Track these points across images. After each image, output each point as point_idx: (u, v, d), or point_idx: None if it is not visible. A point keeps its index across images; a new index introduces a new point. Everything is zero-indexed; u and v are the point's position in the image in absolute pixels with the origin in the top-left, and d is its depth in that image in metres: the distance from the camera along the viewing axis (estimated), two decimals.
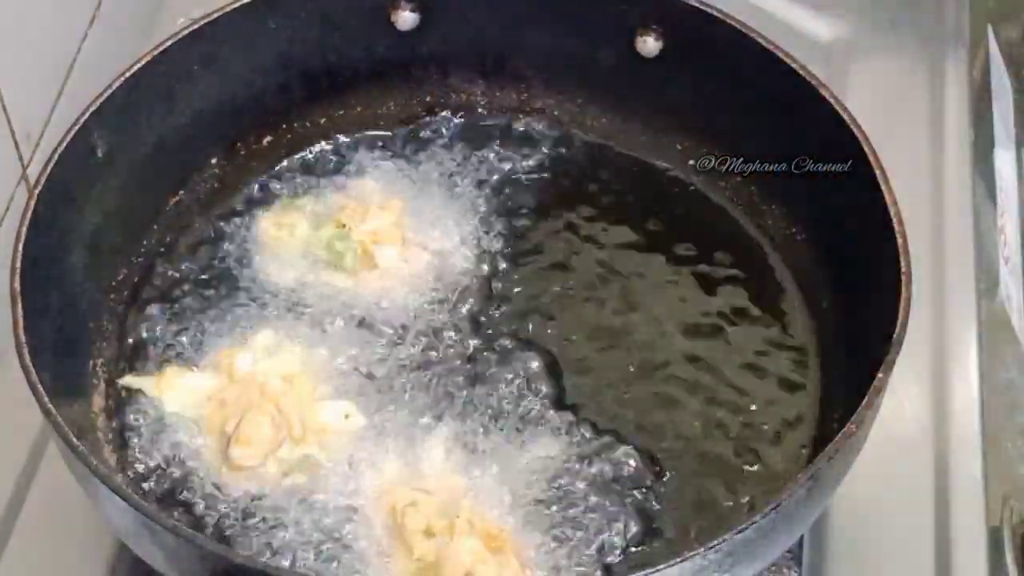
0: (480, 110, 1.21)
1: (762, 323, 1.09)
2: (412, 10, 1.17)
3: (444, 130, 1.20)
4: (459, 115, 1.21)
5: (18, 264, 0.96)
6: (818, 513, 0.96)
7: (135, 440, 1.02)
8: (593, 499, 0.99)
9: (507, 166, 1.18)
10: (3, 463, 1.12)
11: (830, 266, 1.09)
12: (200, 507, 0.99)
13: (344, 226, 1.11)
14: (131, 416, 1.03)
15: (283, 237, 1.13)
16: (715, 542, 0.85)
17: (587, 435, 1.02)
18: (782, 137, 1.11)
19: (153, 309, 1.09)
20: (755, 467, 1.02)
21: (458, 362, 1.06)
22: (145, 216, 1.13)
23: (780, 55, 1.08)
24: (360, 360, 1.06)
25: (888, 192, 1.00)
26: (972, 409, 1.14)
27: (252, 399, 1.01)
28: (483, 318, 1.09)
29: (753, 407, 1.04)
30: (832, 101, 1.05)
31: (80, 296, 1.05)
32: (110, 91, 1.06)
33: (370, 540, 0.96)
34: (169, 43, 1.09)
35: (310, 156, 1.18)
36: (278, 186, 1.17)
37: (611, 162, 1.18)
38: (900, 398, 1.14)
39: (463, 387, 1.04)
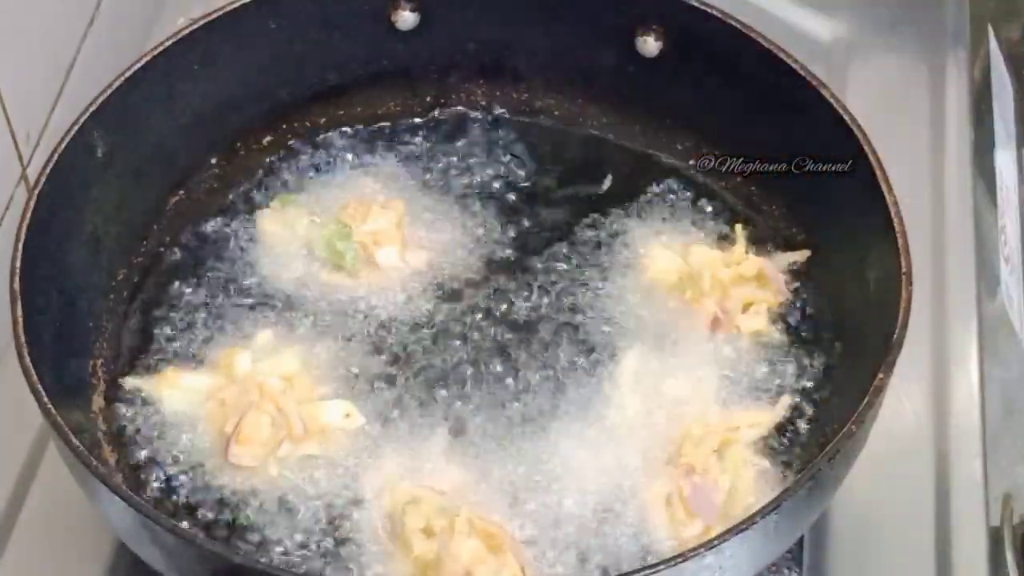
0: (480, 110, 1.21)
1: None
2: (412, 10, 1.17)
3: (444, 130, 1.20)
4: (459, 115, 1.21)
5: (18, 264, 0.96)
6: (818, 513, 0.96)
7: (135, 440, 1.02)
8: (594, 498, 0.99)
9: (507, 166, 1.18)
10: (3, 463, 1.12)
11: (830, 266, 1.09)
12: (200, 507, 0.99)
13: (345, 225, 1.11)
14: (131, 416, 1.03)
15: (283, 236, 1.13)
16: (715, 542, 0.85)
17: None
18: (782, 137, 1.11)
19: (153, 309, 1.09)
20: None
21: (459, 361, 1.06)
22: (145, 216, 1.13)
23: (780, 55, 1.08)
24: (360, 359, 1.06)
25: (888, 192, 1.00)
26: (972, 409, 1.14)
27: (252, 399, 1.01)
28: (484, 318, 1.09)
29: None
30: (832, 101, 1.05)
31: (80, 296, 1.05)
32: (110, 91, 1.06)
33: (370, 539, 0.96)
34: (169, 43, 1.09)
35: (311, 156, 1.18)
36: (278, 186, 1.17)
37: (611, 162, 1.18)
38: (900, 398, 1.14)
39: (464, 386, 1.04)
